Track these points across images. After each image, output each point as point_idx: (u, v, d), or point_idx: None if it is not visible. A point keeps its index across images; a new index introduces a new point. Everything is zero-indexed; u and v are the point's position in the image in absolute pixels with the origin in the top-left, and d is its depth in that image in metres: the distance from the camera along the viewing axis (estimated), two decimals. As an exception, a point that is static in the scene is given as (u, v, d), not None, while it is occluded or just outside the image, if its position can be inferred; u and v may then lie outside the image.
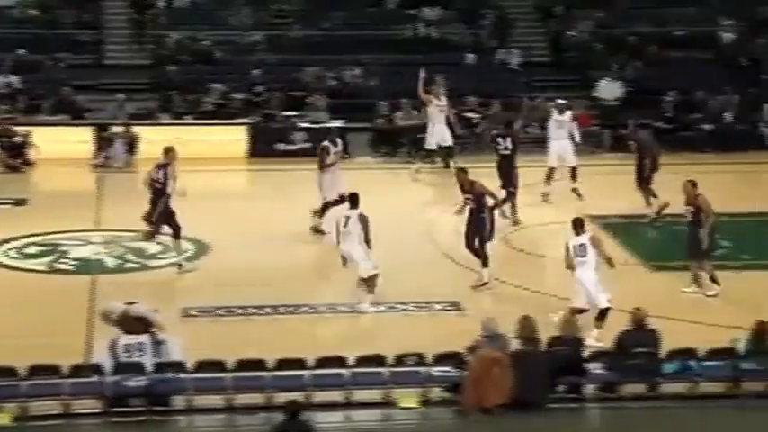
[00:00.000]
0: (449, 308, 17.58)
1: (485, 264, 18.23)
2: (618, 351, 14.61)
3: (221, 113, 28.23)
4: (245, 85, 29.04)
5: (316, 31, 31.39)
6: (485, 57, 30.62)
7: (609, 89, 28.81)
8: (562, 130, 23.51)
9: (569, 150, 23.49)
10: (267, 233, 20.69)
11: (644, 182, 21.96)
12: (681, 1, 32.20)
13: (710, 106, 28.53)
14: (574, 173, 23.42)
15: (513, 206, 21.50)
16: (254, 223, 21.08)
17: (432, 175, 25.54)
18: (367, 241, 17.39)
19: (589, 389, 14.55)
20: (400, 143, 27.54)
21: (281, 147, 26.80)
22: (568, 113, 23.85)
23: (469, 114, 27.94)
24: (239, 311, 17.34)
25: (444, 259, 19.78)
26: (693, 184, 18.11)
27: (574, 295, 16.22)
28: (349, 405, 14.23)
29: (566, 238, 16.58)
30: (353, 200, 17.87)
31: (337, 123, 24.61)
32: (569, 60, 30.69)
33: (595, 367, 14.54)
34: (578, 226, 16.56)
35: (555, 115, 23.78)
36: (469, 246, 18.37)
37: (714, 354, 14.66)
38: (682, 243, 18.50)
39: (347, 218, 17.60)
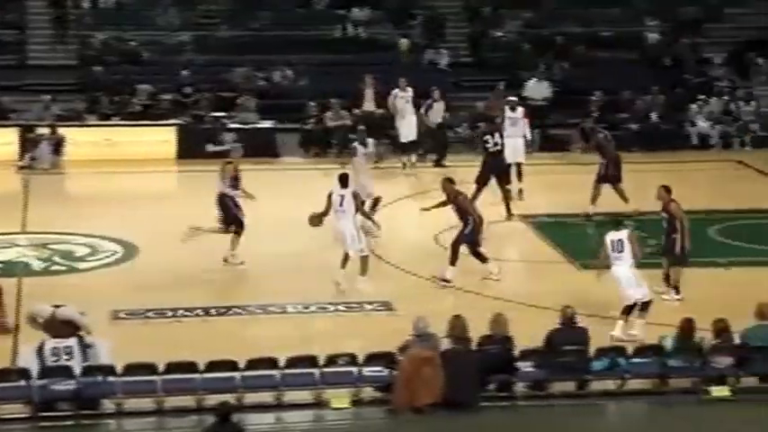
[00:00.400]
0: (380, 308, 17.59)
1: (484, 260, 18.52)
2: (547, 349, 14.67)
3: (149, 114, 28.02)
4: (173, 85, 28.84)
5: (244, 32, 31.25)
6: (415, 56, 30.66)
7: (537, 89, 29.03)
8: (515, 128, 23.60)
9: (521, 149, 23.61)
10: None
11: (600, 180, 22.15)
12: (606, 2, 32.49)
13: (637, 106, 28.83)
14: (520, 171, 23.48)
15: (508, 202, 21.75)
16: (184, 224, 20.91)
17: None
18: (365, 215, 18.50)
19: (519, 387, 14.61)
20: (330, 143, 27.52)
21: (211, 147, 26.65)
22: (520, 110, 23.98)
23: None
24: (169, 314, 17.22)
25: (375, 259, 19.76)
26: (667, 189, 18.11)
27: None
28: (280, 406, 14.17)
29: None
30: (344, 180, 18.52)
31: (361, 127, 24.39)
32: (497, 60, 30.83)
33: (525, 365, 14.60)
34: (617, 223, 17.07)
35: (508, 112, 23.87)
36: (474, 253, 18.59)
37: (642, 351, 14.81)
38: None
39: (342, 197, 18.21)
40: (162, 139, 27.27)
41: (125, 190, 24.26)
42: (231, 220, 19.26)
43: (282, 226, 20.44)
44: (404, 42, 30.40)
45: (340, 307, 17.63)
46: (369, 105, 27.83)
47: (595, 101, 28.50)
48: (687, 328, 14.89)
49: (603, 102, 28.61)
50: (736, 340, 14.88)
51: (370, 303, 17.72)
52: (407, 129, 26.13)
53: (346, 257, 18.24)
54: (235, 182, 19.42)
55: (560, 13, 32.19)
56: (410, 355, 14.08)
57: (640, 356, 14.74)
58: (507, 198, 21.93)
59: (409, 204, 23.31)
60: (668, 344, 14.87)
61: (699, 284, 18.18)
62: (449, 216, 21.22)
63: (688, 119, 28.72)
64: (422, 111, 26.47)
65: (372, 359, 14.38)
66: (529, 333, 14.93)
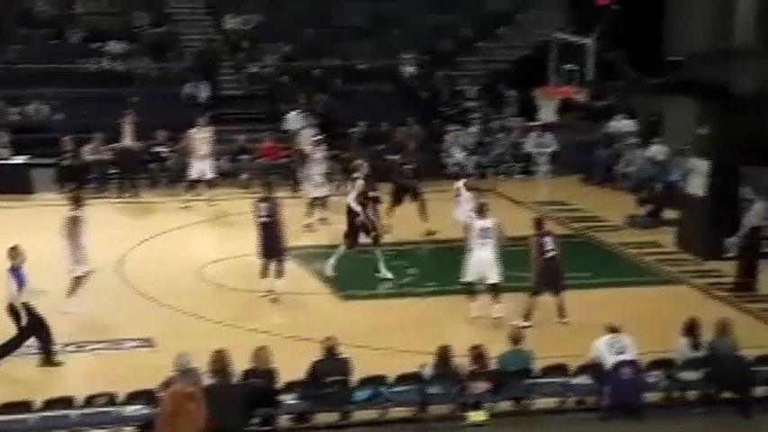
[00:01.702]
0: (141, 345, 17.31)
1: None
2: (310, 381, 14.74)
3: None
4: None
5: (-5, 65, 30.44)
6: (173, 90, 30.42)
7: (297, 121, 29.15)
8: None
9: (318, 184, 23.94)
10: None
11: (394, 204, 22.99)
12: (362, 36, 32.99)
13: (395, 137, 29.28)
14: (313, 205, 23.82)
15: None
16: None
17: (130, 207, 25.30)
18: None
19: (283, 419, 14.61)
20: (87, 179, 26.98)
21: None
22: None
23: (158, 149, 27.70)
24: None
25: (136, 295, 19.48)
26: (538, 221, 18.77)
27: None
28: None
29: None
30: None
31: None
32: (258, 93, 30.89)
33: (288, 398, 14.61)
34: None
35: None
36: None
37: (402, 379, 15.00)
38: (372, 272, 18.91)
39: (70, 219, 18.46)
40: None
41: None
42: None
43: (39, 264, 19.85)
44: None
45: (100, 345, 17.24)
46: (127, 140, 27.38)
47: (356, 132, 28.83)
48: (444, 355, 15.17)
49: (363, 133, 28.96)
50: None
51: (130, 340, 17.41)
52: (201, 166, 25.77)
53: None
54: None
55: (318, 46, 32.49)
56: (172, 392, 13.83)
57: (401, 385, 14.93)
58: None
59: (174, 238, 23.18)
60: (427, 372, 15.09)
61: (455, 311, 18.66)
62: (214, 250, 21.22)
63: (444, 149, 29.37)
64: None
65: (133, 397, 14.14)
66: (292, 365, 14.91)
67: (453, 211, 21.64)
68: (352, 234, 20.53)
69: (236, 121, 29.59)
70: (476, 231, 18.43)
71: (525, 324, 17.92)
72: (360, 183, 20.68)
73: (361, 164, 21.29)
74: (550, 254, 18.40)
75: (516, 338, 15.65)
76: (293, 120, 29.18)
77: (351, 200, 20.60)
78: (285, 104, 29.99)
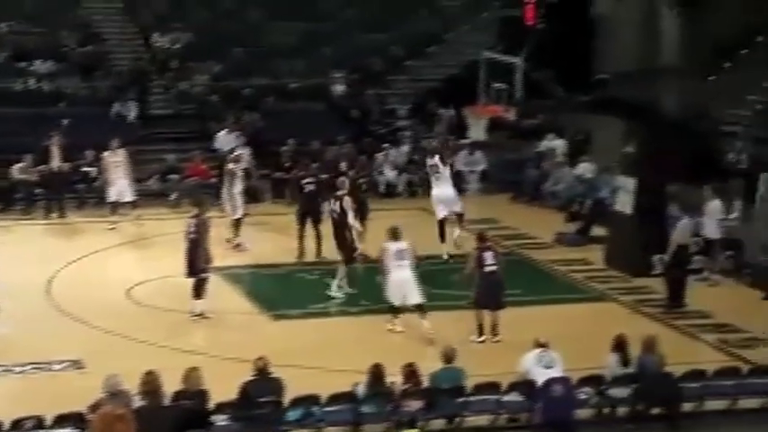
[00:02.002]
0: (70, 367, 17.10)
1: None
2: (242, 401, 14.63)
3: None
4: None
5: None
6: (102, 109, 30.15)
7: (226, 140, 29.01)
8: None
9: (239, 201, 23.71)
10: None
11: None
12: (292, 54, 32.95)
13: (326, 156, 29.22)
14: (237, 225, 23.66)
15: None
16: None
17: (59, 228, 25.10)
18: None
19: (215, 441, 14.51)
20: (14, 198, 26.67)
21: None
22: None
23: (87, 169, 27.44)
24: None
25: (64, 316, 19.28)
26: (480, 236, 18.96)
27: None
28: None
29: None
30: None
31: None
32: (187, 112, 30.73)
33: (220, 419, 14.47)
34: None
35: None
36: None
37: (336, 399, 14.95)
38: (303, 292, 18.90)
39: None
40: None
41: None
42: None
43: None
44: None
45: (27, 368, 17.01)
46: (55, 162, 27.05)
47: (286, 151, 28.75)
48: (377, 373, 15.16)
49: (294, 152, 28.87)
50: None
51: (58, 363, 17.19)
52: (119, 188, 25.54)
53: None
54: None
55: (248, 65, 32.41)
56: (101, 414, 13.69)
57: (334, 404, 14.89)
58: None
59: (102, 259, 22.99)
60: (360, 391, 15.07)
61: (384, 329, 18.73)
62: (143, 270, 21.05)
63: (375, 168, 29.40)
64: None
65: (61, 420, 13.96)
66: (223, 386, 14.78)
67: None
68: (347, 247, 20.52)
69: (165, 141, 29.38)
70: (391, 254, 18.64)
71: (479, 340, 18.14)
72: (348, 199, 20.81)
73: (344, 181, 21.48)
74: (490, 268, 18.51)
75: (449, 356, 15.69)
76: (223, 139, 29.04)
77: (351, 219, 20.67)
78: (215, 124, 29.85)
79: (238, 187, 23.97)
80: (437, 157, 23.21)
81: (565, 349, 15.78)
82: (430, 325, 18.41)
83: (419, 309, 18.62)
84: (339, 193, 21.01)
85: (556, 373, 15.23)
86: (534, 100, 22.31)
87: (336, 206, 20.83)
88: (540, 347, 15.52)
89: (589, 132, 29.39)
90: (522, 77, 21.07)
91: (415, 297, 18.58)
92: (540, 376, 15.20)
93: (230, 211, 23.86)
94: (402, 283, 18.58)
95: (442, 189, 22.94)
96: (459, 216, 22.92)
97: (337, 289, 20.61)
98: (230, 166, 24.34)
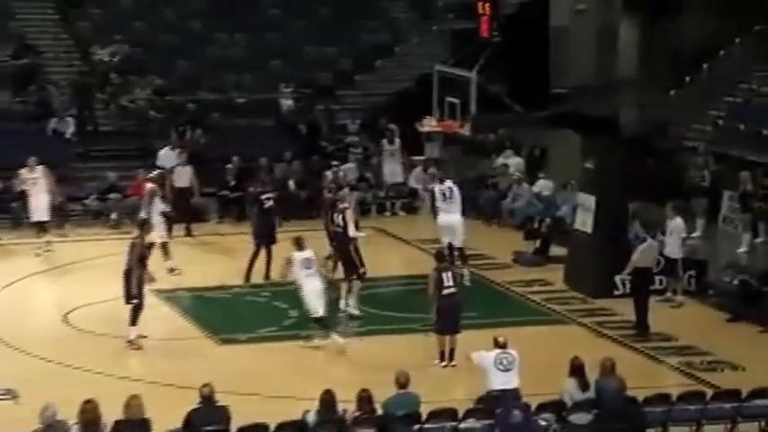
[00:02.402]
0: (3, 396, 16.43)
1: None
2: (186, 430, 14.02)
3: None
4: None
5: None
6: (38, 125, 29.25)
7: (169, 157, 28.20)
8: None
9: (162, 226, 22.81)
10: None
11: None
12: (240, 68, 32.32)
13: (274, 173, 28.56)
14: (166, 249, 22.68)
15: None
16: None
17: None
18: None
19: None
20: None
21: None
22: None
23: (22, 187, 26.47)
24: None
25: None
26: (439, 255, 18.84)
27: None
28: None
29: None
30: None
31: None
32: (128, 128, 29.96)
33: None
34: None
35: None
36: None
37: (284, 427, 14.36)
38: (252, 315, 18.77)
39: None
40: None
41: None
42: None
43: None
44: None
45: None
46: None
47: (231, 168, 28.06)
48: (328, 400, 14.55)
49: (239, 169, 28.18)
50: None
51: (-9, 392, 16.51)
52: (35, 207, 24.60)
53: None
54: None
55: (192, 79, 31.71)
56: (36, 447, 13.07)
57: (282, 433, 14.31)
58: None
59: (38, 282, 22.37)
60: (311, 418, 14.50)
61: (340, 354, 18.35)
62: (81, 294, 20.42)
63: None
64: None
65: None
66: (167, 414, 14.18)
67: None
68: (353, 263, 20.10)
69: (106, 158, 28.63)
70: (298, 264, 18.70)
71: (443, 364, 17.90)
72: (349, 212, 20.51)
73: (345, 194, 21.48)
74: (450, 290, 18.12)
75: (402, 382, 15.15)
76: (165, 156, 28.19)
77: (351, 231, 20.32)
78: (158, 140, 29.06)
79: (158, 209, 22.98)
80: (449, 182, 22.45)
81: (523, 374, 15.57)
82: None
83: (319, 322, 18.65)
84: (342, 206, 20.68)
85: (513, 375, 15.38)
86: (488, 114, 21.84)
87: (340, 219, 20.44)
88: (500, 348, 15.55)
89: (545, 148, 28.93)
90: (476, 92, 20.62)
91: (320, 310, 18.63)
92: (498, 378, 15.32)
93: (155, 236, 22.80)
94: (316, 292, 18.63)
95: (452, 216, 22.11)
96: (460, 250, 22.21)
97: (355, 306, 20.20)
98: (148, 185, 23.40)
